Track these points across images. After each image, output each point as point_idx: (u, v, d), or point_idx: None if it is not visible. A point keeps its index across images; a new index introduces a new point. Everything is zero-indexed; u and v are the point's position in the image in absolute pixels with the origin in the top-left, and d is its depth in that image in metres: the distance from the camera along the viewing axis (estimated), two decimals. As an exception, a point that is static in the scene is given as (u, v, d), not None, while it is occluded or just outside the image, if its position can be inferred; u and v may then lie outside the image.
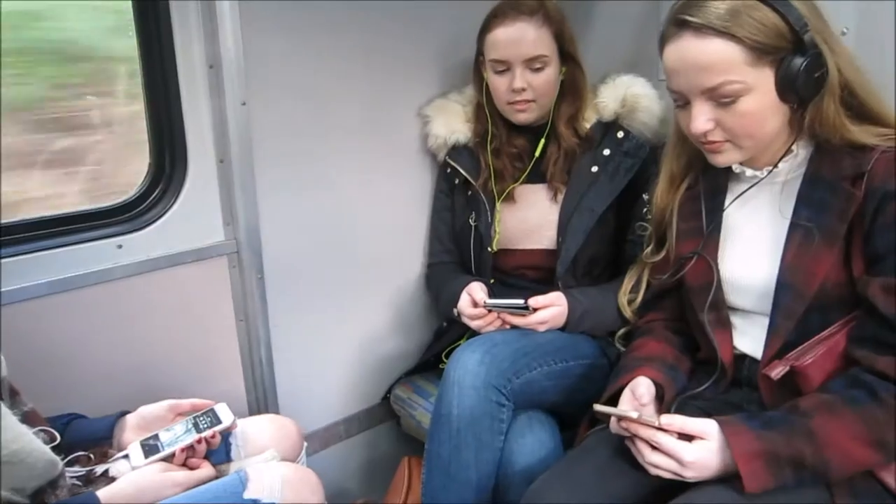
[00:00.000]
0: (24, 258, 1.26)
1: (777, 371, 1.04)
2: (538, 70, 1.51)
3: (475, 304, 1.48)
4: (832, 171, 1.05)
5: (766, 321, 1.10)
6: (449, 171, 1.72)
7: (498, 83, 1.55)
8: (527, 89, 1.52)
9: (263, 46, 1.46)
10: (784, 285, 1.07)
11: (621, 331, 1.46)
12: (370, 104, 1.68)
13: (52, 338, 1.30)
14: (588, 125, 1.58)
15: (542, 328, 1.44)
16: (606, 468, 1.06)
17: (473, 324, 1.50)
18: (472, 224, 1.65)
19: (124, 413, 1.20)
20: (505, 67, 1.52)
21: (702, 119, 1.05)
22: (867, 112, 1.05)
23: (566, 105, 1.58)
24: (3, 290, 1.22)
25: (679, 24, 1.03)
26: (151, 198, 1.44)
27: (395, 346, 1.87)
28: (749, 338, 1.15)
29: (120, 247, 1.38)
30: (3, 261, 1.23)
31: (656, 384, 1.15)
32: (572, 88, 1.57)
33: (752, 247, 1.14)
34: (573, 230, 1.53)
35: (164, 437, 1.15)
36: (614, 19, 1.81)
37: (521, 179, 1.61)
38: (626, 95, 1.54)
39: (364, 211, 1.72)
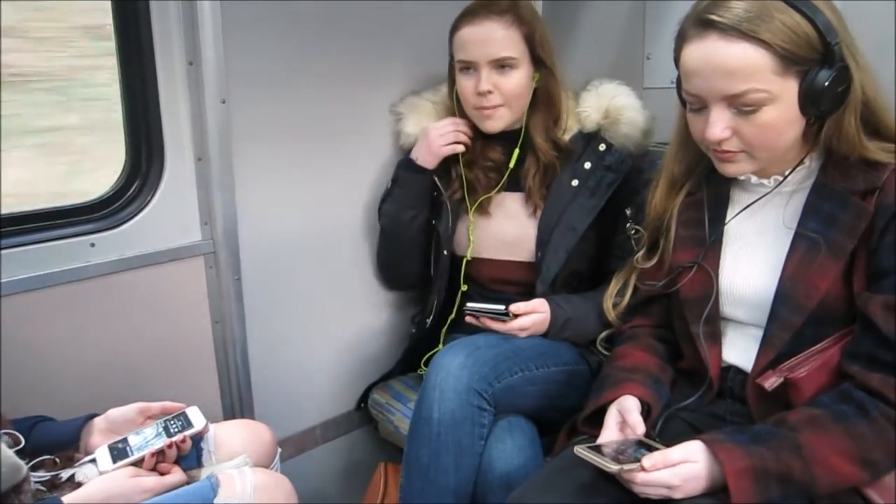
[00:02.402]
0: (-10, 255, 1.22)
1: (771, 382, 1.02)
2: (505, 72, 1.47)
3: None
4: (843, 184, 1.03)
5: (757, 332, 1.09)
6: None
7: (465, 85, 1.50)
8: (493, 92, 1.46)
9: (244, 44, 1.44)
10: (783, 296, 1.05)
11: (603, 334, 1.44)
12: (350, 104, 1.66)
13: (20, 336, 1.26)
14: (568, 136, 1.53)
15: (522, 335, 1.43)
16: (588, 484, 1.03)
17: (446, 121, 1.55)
18: (441, 232, 1.60)
19: (92, 416, 1.17)
20: (471, 68, 1.48)
21: (719, 126, 1.01)
22: (882, 129, 1.03)
23: (540, 115, 1.53)
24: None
25: (704, 23, 0.98)
26: (126, 195, 1.41)
27: (372, 350, 1.86)
28: (738, 349, 1.14)
29: (93, 245, 1.35)
30: (-29, 256, 1.20)
31: (642, 401, 1.13)
32: (546, 97, 1.52)
33: (751, 256, 1.12)
34: (553, 248, 1.50)
35: (134, 440, 1.12)
36: (600, 21, 1.81)
37: (495, 190, 1.57)
38: (609, 107, 1.50)
39: (343, 212, 1.70)
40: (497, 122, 1.51)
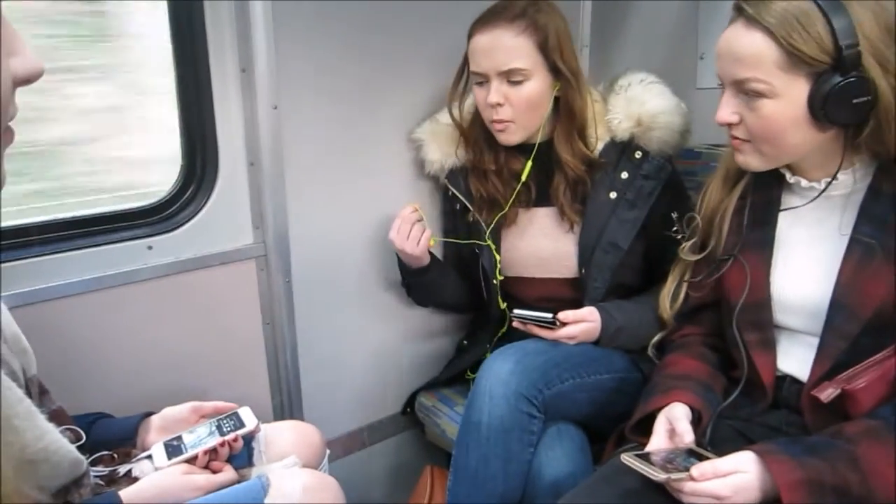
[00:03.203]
0: (56, 256, 1.27)
1: (827, 393, 0.99)
2: (516, 84, 1.38)
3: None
4: (894, 187, 1.00)
5: (813, 341, 1.05)
6: (450, 194, 1.63)
7: (478, 96, 1.43)
8: (504, 105, 1.39)
9: (295, 50, 1.46)
10: (838, 305, 1.02)
11: (656, 338, 1.38)
12: (398, 107, 1.67)
13: (81, 336, 1.31)
14: (600, 145, 1.45)
15: (570, 342, 1.40)
16: (635, 493, 1.01)
17: (394, 226, 1.50)
18: (477, 252, 1.57)
19: (149, 414, 1.20)
20: (483, 80, 1.41)
21: (727, 110, 1.04)
22: None
23: (563, 126, 1.44)
24: (35, 287, 1.23)
25: (737, 10, 1.01)
26: (182, 200, 1.45)
27: (420, 354, 1.86)
28: (793, 358, 1.10)
29: (150, 248, 1.39)
30: (36, 259, 1.25)
31: (692, 409, 1.11)
32: (567, 108, 1.42)
33: (804, 262, 1.09)
34: (597, 266, 1.45)
35: (188, 438, 1.14)
36: (651, 20, 1.77)
37: (522, 204, 1.52)
38: (640, 114, 1.41)
39: (392, 215, 1.69)
40: (511, 135, 1.44)
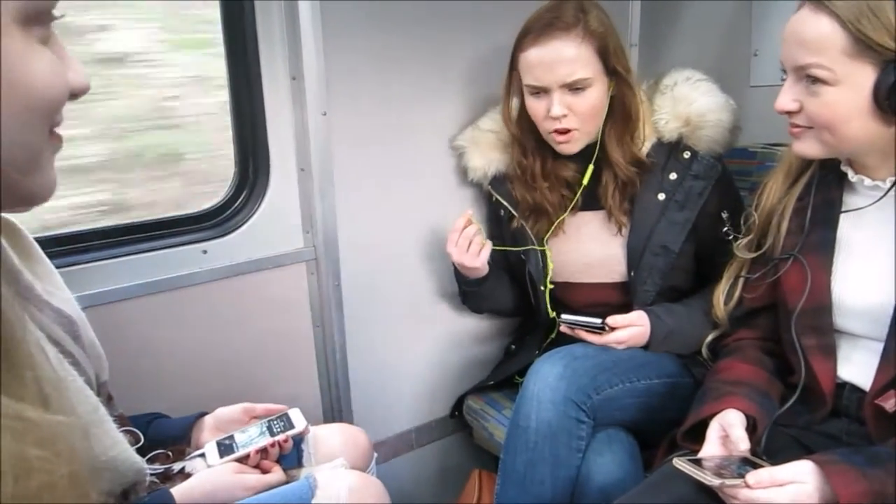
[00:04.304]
0: (115, 261, 1.32)
1: (892, 403, 0.95)
2: (579, 93, 1.35)
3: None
4: None
5: (876, 347, 1.01)
6: (493, 200, 1.61)
7: (535, 108, 1.39)
8: (567, 115, 1.36)
9: (343, 58, 1.48)
10: None
11: (709, 338, 1.35)
12: (445, 111, 1.67)
13: (139, 338, 1.36)
14: (647, 146, 1.42)
15: (620, 347, 1.38)
16: (687, 499, 0.99)
17: (451, 239, 1.48)
18: (523, 258, 1.55)
19: (202, 414, 1.23)
20: (540, 91, 1.38)
21: (787, 97, 1.01)
22: None
23: (616, 127, 1.41)
24: (94, 291, 1.28)
25: None
26: (236, 205, 1.49)
27: (468, 357, 1.86)
28: (854, 364, 1.06)
29: (205, 252, 1.43)
30: (96, 263, 1.30)
31: (747, 416, 1.07)
32: (621, 108, 1.40)
33: (868, 266, 1.04)
34: (647, 269, 1.42)
35: (239, 438, 1.17)
36: (704, 18, 1.73)
37: (570, 210, 1.49)
38: (689, 114, 1.39)
39: (440, 218, 1.71)
40: (573, 145, 1.42)
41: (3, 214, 0.96)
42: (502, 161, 1.58)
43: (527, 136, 1.49)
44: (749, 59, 1.68)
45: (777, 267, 1.13)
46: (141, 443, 1.06)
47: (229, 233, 1.46)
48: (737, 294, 1.23)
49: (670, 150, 1.43)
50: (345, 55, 1.49)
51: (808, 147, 1.03)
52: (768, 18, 1.63)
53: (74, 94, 0.50)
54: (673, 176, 1.41)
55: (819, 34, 0.94)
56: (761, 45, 1.66)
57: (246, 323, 1.49)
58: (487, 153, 1.60)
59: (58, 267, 1.19)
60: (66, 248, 1.29)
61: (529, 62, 1.36)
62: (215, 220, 1.47)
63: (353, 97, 1.53)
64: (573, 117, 1.37)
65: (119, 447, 0.92)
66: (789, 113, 1.02)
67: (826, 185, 1.11)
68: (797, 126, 1.02)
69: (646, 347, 1.41)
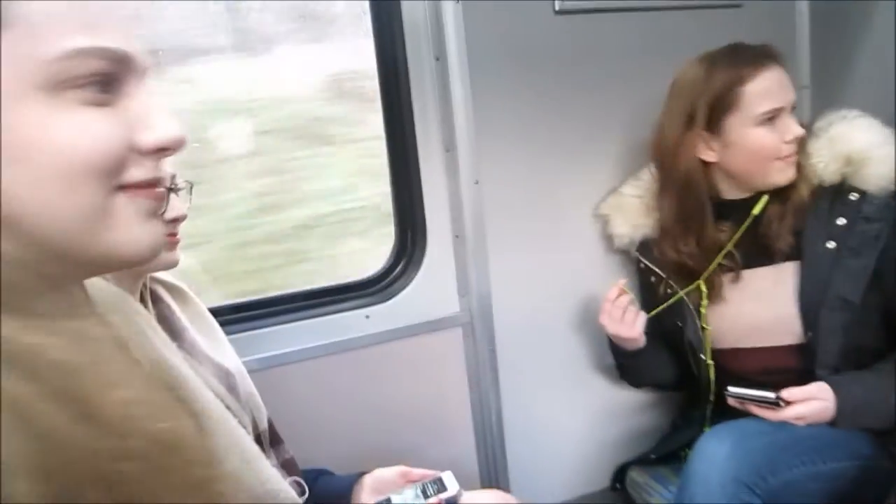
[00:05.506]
0: (288, 326, 1.44)
1: None
2: (793, 115, 1.33)
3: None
4: None
5: None
6: (642, 266, 1.56)
7: (767, 138, 1.31)
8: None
9: (494, 128, 1.54)
10: None
11: None
12: (596, 179, 1.66)
13: (306, 397, 1.46)
14: (806, 191, 1.33)
15: (799, 423, 1.23)
16: None
17: (604, 309, 1.42)
18: (680, 326, 1.46)
19: (363, 473, 1.29)
20: (773, 116, 1.31)
21: None
22: None
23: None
24: (266, 354, 1.41)
25: None
26: (395, 272, 1.57)
27: (629, 426, 1.78)
28: None
29: (367, 317, 1.51)
30: (267, 329, 1.43)
31: None
32: None
33: None
34: (827, 328, 1.29)
35: (396, 499, 1.20)
36: (881, 31, 1.57)
37: (724, 269, 1.40)
38: (850, 153, 1.28)
39: (595, 284, 1.67)
40: (794, 168, 1.34)
41: (171, 278, 1.11)
42: (649, 226, 1.54)
43: (695, 196, 1.42)
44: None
45: None
46: (306, 495, 1.13)
47: (390, 298, 1.54)
48: None
49: (833, 193, 1.32)
50: (495, 126, 1.54)
51: None
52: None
53: (162, 149, 0.51)
54: (841, 221, 1.29)
55: None
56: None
57: (404, 385, 1.55)
58: (633, 219, 1.56)
59: (231, 333, 1.34)
60: (242, 314, 1.44)
61: (764, 86, 1.31)
62: (377, 286, 1.56)
63: (504, 165, 1.57)
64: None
65: (274, 481, 0.99)
66: None
67: None
68: None
69: (832, 423, 1.25)
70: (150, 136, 0.50)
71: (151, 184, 0.52)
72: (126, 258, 0.51)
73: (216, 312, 1.40)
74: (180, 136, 0.52)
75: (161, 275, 1.08)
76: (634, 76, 1.62)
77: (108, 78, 0.48)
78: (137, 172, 0.50)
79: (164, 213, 0.54)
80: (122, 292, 0.94)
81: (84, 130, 0.47)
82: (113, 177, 0.48)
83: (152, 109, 0.51)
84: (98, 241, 0.49)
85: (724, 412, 1.41)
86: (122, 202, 0.50)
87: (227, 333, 1.32)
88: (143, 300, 1.02)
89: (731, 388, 1.28)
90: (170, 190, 0.98)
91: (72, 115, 0.46)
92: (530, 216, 1.62)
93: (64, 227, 0.47)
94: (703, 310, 1.44)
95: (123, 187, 0.50)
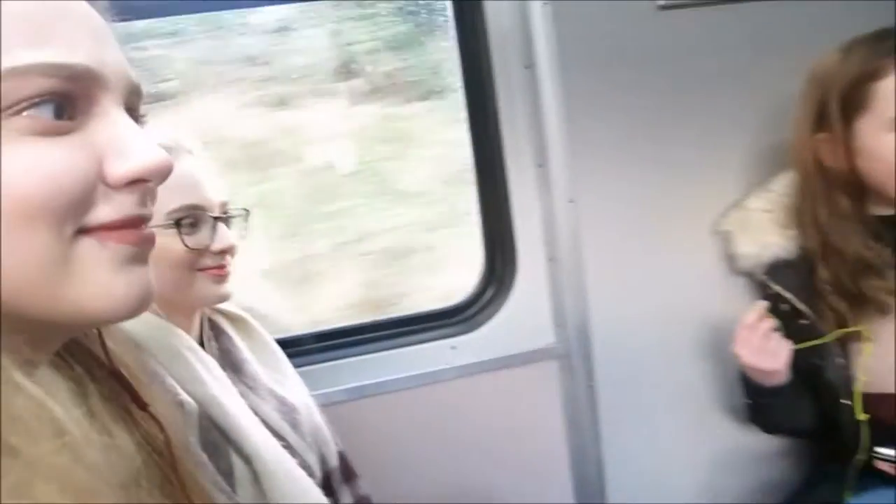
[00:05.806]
0: (366, 358, 1.37)
1: None
2: None
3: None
4: None
5: None
6: (770, 292, 1.34)
7: None
8: None
9: (590, 141, 1.40)
10: None
11: None
12: (701, 195, 1.48)
13: (389, 431, 1.37)
14: None
15: None
16: None
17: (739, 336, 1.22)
18: (819, 364, 1.24)
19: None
20: None
21: None
22: None
23: None
24: (347, 386, 1.34)
25: None
26: (483, 299, 1.46)
27: (753, 473, 1.55)
28: None
29: (454, 348, 1.41)
30: (348, 360, 1.36)
31: None
32: None
33: None
34: None
35: None
36: None
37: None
38: None
39: (707, 316, 1.48)
40: None
41: (234, 309, 1.06)
42: (780, 245, 1.32)
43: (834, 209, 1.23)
44: None
45: None
46: None
47: (477, 328, 1.43)
48: None
49: None
50: (592, 138, 1.41)
51: None
52: None
53: (138, 181, 0.42)
54: None
55: None
56: None
57: (492, 423, 1.43)
58: (760, 237, 1.36)
59: (312, 363, 1.29)
60: (324, 343, 1.38)
61: None
62: (462, 315, 1.45)
63: (602, 181, 1.43)
64: None
65: (310, 495, 0.90)
66: None
67: None
68: None
69: None
70: (122, 166, 0.42)
71: (127, 224, 0.43)
72: (94, 315, 0.42)
73: (297, 342, 1.37)
74: (160, 164, 0.43)
75: (223, 305, 1.03)
76: (755, 74, 1.44)
77: (64, 99, 0.40)
78: (106, 211, 0.41)
79: (145, 257, 0.45)
80: (167, 326, 0.90)
81: (34, 166, 0.39)
82: (73, 218, 0.40)
83: (126, 133, 0.42)
84: (59, 296, 0.40)
85: (873, 474, 1.18)
86: (87, 247, 0.41)
87: (308, 364, 1.29)
88: (201, 333, 0.98)
89: (881, 450, 1.05)
90: (218, 219, 0.93)
91: (17, 148, 0.38)
92: (634, 236, 1.46)
93: (16, 283, 0.39)
94: (867, 356, 1.20)
95: (88, 230, 0.41)
